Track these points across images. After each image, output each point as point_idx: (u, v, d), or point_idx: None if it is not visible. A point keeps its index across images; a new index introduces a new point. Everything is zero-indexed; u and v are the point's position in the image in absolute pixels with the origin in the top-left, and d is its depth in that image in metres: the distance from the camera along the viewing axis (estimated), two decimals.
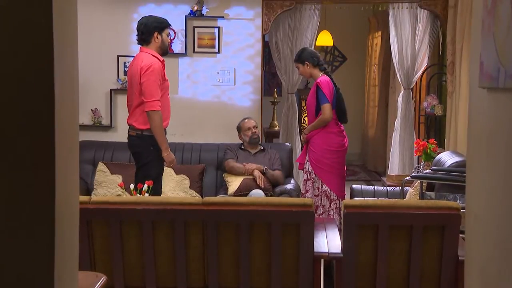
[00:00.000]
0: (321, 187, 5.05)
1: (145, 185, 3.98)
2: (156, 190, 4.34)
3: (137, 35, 4.40)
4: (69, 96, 1.59)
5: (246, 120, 5.54)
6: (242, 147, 5.51)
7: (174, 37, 6.15)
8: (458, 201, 4.31)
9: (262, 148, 5.53)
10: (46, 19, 1.39)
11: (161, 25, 4.37)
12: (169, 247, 3.03)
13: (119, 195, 5.02)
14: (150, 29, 4.32)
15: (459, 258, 2.94)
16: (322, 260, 3.14)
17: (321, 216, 5.03)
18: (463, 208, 3.13)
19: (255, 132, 5.46)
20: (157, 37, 4.33)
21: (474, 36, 1.62)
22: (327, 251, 3.10)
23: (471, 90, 1.64)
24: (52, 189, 1.45)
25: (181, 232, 3.00)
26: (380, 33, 8.86)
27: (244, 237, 2.99)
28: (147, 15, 4.53)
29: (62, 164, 1.52)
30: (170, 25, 4.49)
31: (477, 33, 1.55)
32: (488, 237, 1.48)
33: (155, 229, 3.02)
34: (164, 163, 4.37)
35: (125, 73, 6.15)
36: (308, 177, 5.10)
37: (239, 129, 5.52)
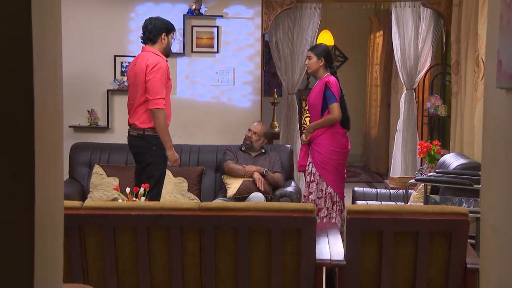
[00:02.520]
0: (325, 188, 4.95)
1: (142, 189, 3.88)
2: (157, 191, 4.27)
3: (143, 34, 4.40)
4: (51, 98, 1.48)
5: (256, 123, 5.43)
6: (243, 148, 5.39)
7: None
8: (464, 204, 4.19)
9: (263, 150, 5.41)
10: (23, 13, 1.28)
11: (169, 27, 4.41)
12: (165, 254, 2.92)
13: (115, 198, 4.90)
14: (159, 29, 4.34)
15: (468, 266, 2.83)
16: (324, 268, 3.02)
17: (324, 219, 4.93)
18: (470, 213, 3.01)
19: (250, 136, 5.33)
20: (164, 38, 4.35)
21: (490, 32, 1.50)
22: (329, 258, 2.98)
23: (487, 90, 1.52)
24: (31, 198, 1.34)
25: (177, 238, 2.88)
26: (381, 32, 8.76)
27: (243, 244, 2.88)
28: (155, 16, 4.52)
29: (43, 171, 1.41)
30: (175, 29, 4.53)
31: (494, 29, 1.43)
32: (508, 250, 1.35)
33: (150, 236, 2.90)
34: (168, 162, 4.34)
35: (122, 73, 6.05)
36: (312, 178, 4.99)
37: None
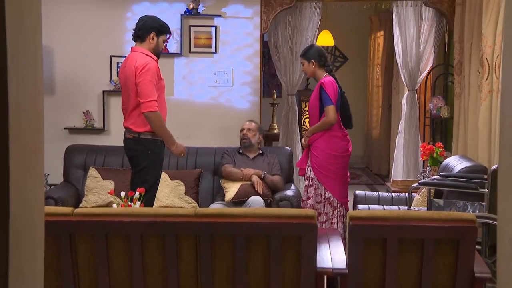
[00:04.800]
0: (324, 193, 4.81)
1: (137, 193, 3.76)
2: (150, 197, 4.14)
3: (133, 31, 4.25)
4: (29, 100, 1.36)
5: (247, 122, 5.32)
6: (240, 151, 5.27)
7: (169, 37, 5.91)
8: (469, 208, 4.09)
9: (261, 152, 5.29)
10: None
11: (161, 28, 4.22)
12: (160, 263, 2.80)
13: (110, 202, 4.78)
14: (148, 28, 4.17)
15: (475, 274, 2.70)
16: (325, 277, 2.90)
17: (324, 224, 4.80)
18: (477, 218, 2.89)
19: (246, 134, 5.21)
20: (152, 38, 4.18)
21: (509, 29, 1.37)
22: (331, 266, 2.86)
23: (504, 92, 1.40)
24: (5, 207, 1.23)
25: (172, 246, 2.77)
26: (382, 32, 8.66)
27: (240, 252, 2.76)
28: (151, 15, 4.36)
29: (20, 177, 1.29)
30: (170, 32, 4.35)
31: None
32: None
33: (144, 243, 2.78)
34: (175, 154, 4.29)
35: (118, 74, 5.93)
36: (310, 183, 4.85)
37: None
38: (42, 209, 1.49)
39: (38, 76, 1.41)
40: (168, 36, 4.32)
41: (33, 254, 1.40)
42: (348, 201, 4.91)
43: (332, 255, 3.03)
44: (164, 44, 4.33)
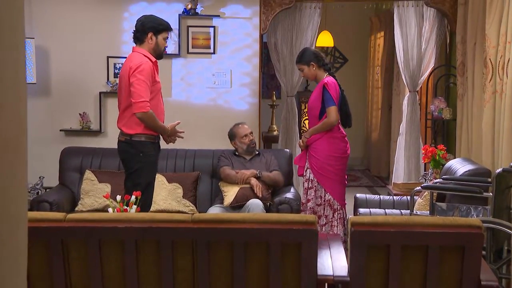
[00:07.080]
0: (324, 196, 4.73)
1: (133, 196, 3.68)
2: (145, 200, 4.06)
3: (133, 32, 4.20)
4: (10, 101, 1.27)
5: (240, 125, 5.18)
6: (237, 153, 5.16)
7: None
8: (472, 212, 4.00)
9: (257, 153, 5.19)
10: None
11: (159, 27, 4.14)
12: (155, 270, 2.72)
13: (107, 205, 4.70)
14: (145, 29, 4.12)
15: (482, 282, 2.62)
16: (326, 284, 2.81)
17: (323, 227, 4.73)
18: (483, 223, 2.80)
19: (253, 139, 5.12)
20: (151, 38, 4.12)
21: None
22: (332, 274, 2.78)
23: None
24: None
25: (168, 253, 2.68)
26: (382, 33, 8.59)
27: (238, 259, 2.68)
28: (148, 14, 4.30)
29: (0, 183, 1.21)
30: (170, 29, 4.24)
31: None
32: None
33: (139, 250, 2.70)
34: (170, 138, 4.30)
35: (115, 75, 5.89)
36: (310, 185, 4.77)
37: (233, 135, 5.15)
38: (25, 218, 1.40)
39: (21, 77, 1.32)
40: (168, 33, 4.22)
41: (15, 264, 1.32)
42: (346, 203, 4.83)
43: (333, 262, 2.94)
44: (166, 42, 4.23)
